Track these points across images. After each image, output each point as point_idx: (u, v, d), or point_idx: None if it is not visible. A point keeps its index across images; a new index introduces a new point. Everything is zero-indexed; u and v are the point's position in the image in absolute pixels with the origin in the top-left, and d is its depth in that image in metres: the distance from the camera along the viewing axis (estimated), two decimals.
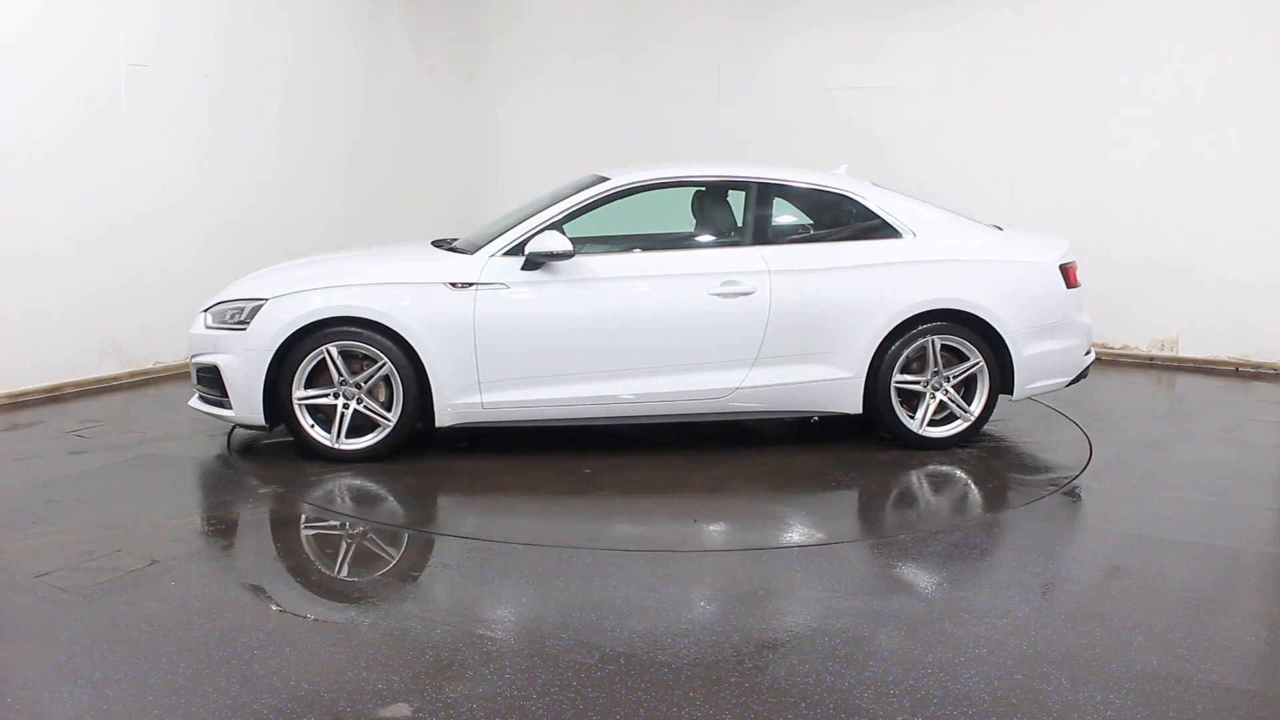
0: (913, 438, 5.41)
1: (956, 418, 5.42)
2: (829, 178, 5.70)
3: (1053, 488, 4.94)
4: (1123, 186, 7.95)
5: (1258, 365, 7.64)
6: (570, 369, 5.19)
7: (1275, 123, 7.44)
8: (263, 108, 7.99)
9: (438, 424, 5.18)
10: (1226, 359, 7.75)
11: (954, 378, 5.39)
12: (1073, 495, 4.86)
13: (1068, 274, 5.54)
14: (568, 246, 5.08)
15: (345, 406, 5.15)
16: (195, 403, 5.44)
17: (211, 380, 5.26)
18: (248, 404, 5.15)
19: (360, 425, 5.20)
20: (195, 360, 5.36)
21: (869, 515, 4.72)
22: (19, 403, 6.41)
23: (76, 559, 3.94)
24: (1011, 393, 5.45)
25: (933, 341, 5.33)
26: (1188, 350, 7.90)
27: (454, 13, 10.00)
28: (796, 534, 4.38)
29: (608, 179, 5.46)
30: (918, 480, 5.06)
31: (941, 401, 5.40)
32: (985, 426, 5.57)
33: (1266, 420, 6.34)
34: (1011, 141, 8.32)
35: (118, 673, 3.07)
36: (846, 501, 4.84)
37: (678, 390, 5.25)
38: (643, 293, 5.25)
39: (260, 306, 5.16)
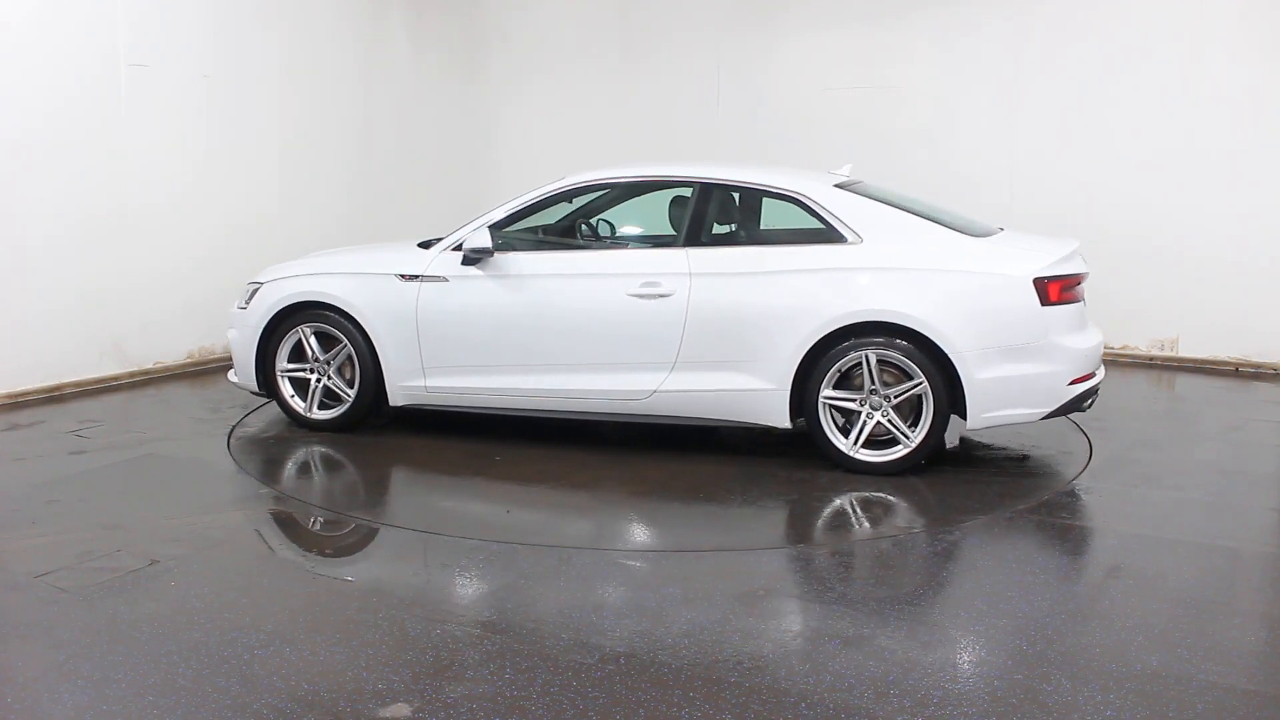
0: (844, 459, 4.99)
1: (899, 442, 4.95)
2: (779, 177, 5.42)
3: (1053, 487, 4.94)
4: (1123, 186, 7.94)
5: (1258, 365, 7.63)
6: (498, 360, 5.42)
7: (1275, 123, 7.44)
8: (263, 108, 7.98)
9: (390, 403, 5.65)
10: (1226, 359, 7.75)
11: (895, 398, 4.90)
12: (1073, 495, 4.86)
13: (1046, 289, 4.84)
14: (487, 244, 5.33)
15: (317, 381, 5.75)
16: (230, 373, 6.09)
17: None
18: (245, 372, 5.87)
19: (333, 397, 5.79)
20: (228, 332, 6.09)
21: (674, 530, 4.59)
22: (19, 403, 6.41)
23: (76, 559, 3.94)
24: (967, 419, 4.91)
25: (867, 357, 4.89)
26: (1188, 350, 7.89)
27: (454, 13, 10.00)
28: (580, 532, 4.44)
29: (562, 179, 5.63)
30: (802, 500, 4.81)
31: (880, 423, 4.95)
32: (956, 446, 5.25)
33: (1266, 420, 6.34)
34: (1011, 141, 8.31)
35: (118, 673, 3.07)
36: (686, 513, 4.69)
37: (597, 388, 5.29)
38: (563, 290, 5.33)
39: (257, 290, 5.86)
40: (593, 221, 6.02)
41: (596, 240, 5.94)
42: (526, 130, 10.21)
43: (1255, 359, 7.64)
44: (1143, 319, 7.98)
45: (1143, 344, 8.06)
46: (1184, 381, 7.45)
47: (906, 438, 4.92)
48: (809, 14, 8.97)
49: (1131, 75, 7.84)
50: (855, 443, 4.98)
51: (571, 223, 5.97)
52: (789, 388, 5.01)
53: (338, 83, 8.69)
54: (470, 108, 10.19)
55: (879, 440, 5.00)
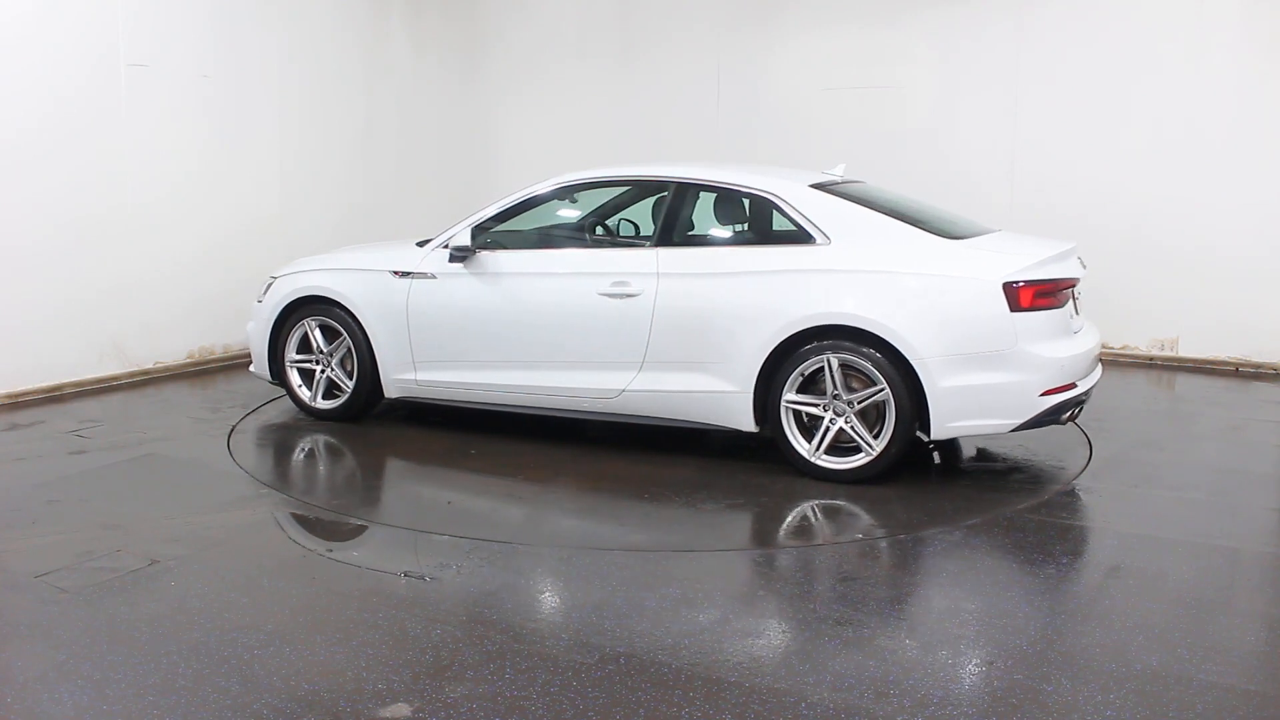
0: (805, 465, 4.88)
1: (862, 450, 4.81)
2: (754, 177, 5.35)
3: (1053, 487, 4.93)
4: (1123, 186, 7.93)
5: (1258, 365, 7.63)
6: (479, 356, 5.58)
7: (1276, 122, 7.44)
8: (263, 108, 7.98)
9: (385, 395, 5.87)
10: (1226, 359, 7.75)
11: (858, 404, 4.75)
12: (1073, 495, 4.86)
13: (1017, 294, 4.62)
14: (467, 243, 5.51)
15: (321, 372, 6.00)
16: (251, 365, 6.31)
17: None
18: (260, 362, 6.15)
19: (337, 388, 6.02)
20: (247, 324, 6.32)
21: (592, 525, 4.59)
22: (19, 403, 6.41)
23: (76, 559, 3.94)
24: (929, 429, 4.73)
25: (829, 361, 4.77)
26: (1188, 350, 7.89)
27: (454, 13, 10.00)
28: (510, 523, 4.51)
29: (547, 180, 5.74)
30: (764, 500, 4.79)
31: (844, 430, 4.82)
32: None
33: (1266, 420, 6.34)
34: (1011, 141, 8.31)
35: (118, 673, 3.08)
36: (618, 509, 4.75)
37: (570, 386, 5.35)
38: (538, 288, 5.43)
39: (271, 284, 6.14)
40: (575, 221, 6.05)
41: (576, 239, 5.99)
42: (527, 129, 10.21)
43: (1255, 359, 7.64)
44: (1143, 318, 7.97)
45: (1143, 344, 8.06)
46: (1184, 381, 7.45)
47: (869, 446, 4.78)
48: (809, 14, 8.97)
49: (1133, 75, 7.84)
50: (817, 448, 4.87)
51: (555, 222, 6.02)
52: (752, 390, 4.94)
53: (338, 83, 8.69)
54: (470, 107, 10.18)
55: (845, 447, 4.86)
